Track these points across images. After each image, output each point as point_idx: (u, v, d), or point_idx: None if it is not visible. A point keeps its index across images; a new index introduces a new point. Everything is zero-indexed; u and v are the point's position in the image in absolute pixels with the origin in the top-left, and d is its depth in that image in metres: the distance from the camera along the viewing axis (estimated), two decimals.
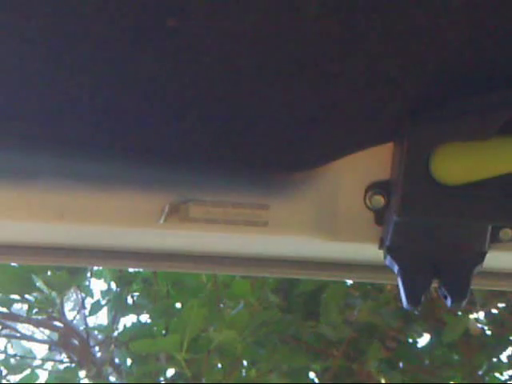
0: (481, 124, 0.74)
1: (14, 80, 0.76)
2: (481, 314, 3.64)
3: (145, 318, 3.71)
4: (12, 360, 3.97)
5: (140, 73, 0.76)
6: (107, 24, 0.74)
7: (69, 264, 1.13)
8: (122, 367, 3.79)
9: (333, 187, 0.82)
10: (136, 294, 3.73)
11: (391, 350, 3.56)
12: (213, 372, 3.40)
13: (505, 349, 3.65)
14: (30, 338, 4.12)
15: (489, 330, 3.69)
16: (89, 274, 3.68)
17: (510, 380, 3.73)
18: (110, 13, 0.74)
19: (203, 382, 3.39)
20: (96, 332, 3.97)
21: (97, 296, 3.75)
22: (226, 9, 0.74)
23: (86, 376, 3.82)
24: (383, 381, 3.59)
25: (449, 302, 0.80)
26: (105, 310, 3.75)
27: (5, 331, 3.93)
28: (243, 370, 3.53)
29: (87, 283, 3.73)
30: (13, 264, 3.14)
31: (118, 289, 3.66)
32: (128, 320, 3.77)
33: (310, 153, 0.79)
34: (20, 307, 3.90)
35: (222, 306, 3.45)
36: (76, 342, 3.84)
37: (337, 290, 3.31)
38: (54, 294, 3.40)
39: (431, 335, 3.67)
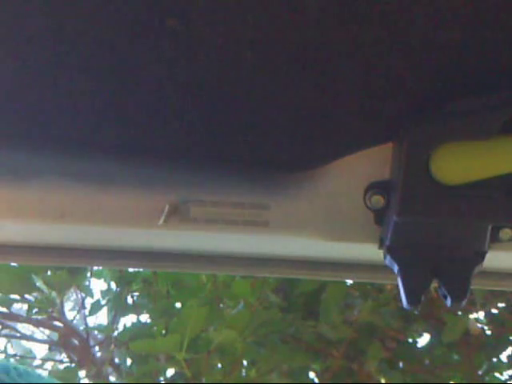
0: (481, 124, 0.74)
1: (14, 80, 0.76)
2: (481, 314, 3.64)
3: (145, 317, 3.71)
4: (12, 360, 3.97)
5: (140, 72, 0.76)
6: (107, 23, 0.74)
7: (69, 264, 1.13)
8: (121, 367, 3.79)
9: (333, 187, 0.82)
10: (136, 293, 3.73)
11: (391, 349, 3.56)
12: (213, 372, 3.40)
13: (505, 349, 3.65)
14: (30, 338, 4.12)
15: (489, 329, 3.68)
16: (89, 274, 3.68)
17: (510, 380, 3.73)
18: (110, 12, 0.74)
19: (203, 381, 3.39)
20: (96, 332, 3.97)
21: (97, 296, 3.75)
22: (226, 9, 0.74)
23: (86, 376, 3.82)
24: (383, 381, 3.59)
25: (449, 301, 0.80)
26: (105, 309, 3.76)
27: (5, 331, 3.93)
28: (243, 370, 3.53)
29: (87, 283, 3.73)
30: (13, 264, 3.13)
31: (118, 289, 3.66)
32: (128, 320, 3.78)
33: (310, 153, 0.79)
34: (20, 307, 3.90)
35: (221, 306, 3.45)
36: (76, 341, 3.84)
37: (337, 290, 3.31)
38: (54, 293, 3.40)
39: (431, 335, 3.67)
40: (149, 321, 3.66)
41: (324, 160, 0.80)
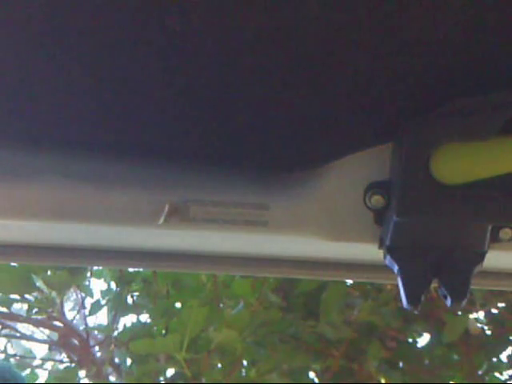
0: (481, 124, 0.74)
1: (14, 80, 0.76)
2: (481, 314, 3.65)
3: (145, 317, 3.71)
4: (12, 360, 3.97)
5: (140, 73, 0.76)
6: (107, 25, 0.74)
7: (69, 264, 1.14)
8: (121, 367, 3.79)
9: (333, 187, 0.82)
10: (136, 293, 3.74)
11: (391, 349, 3.57)
12: (213, 372, 3.40)
13: (505, 348, 3.65)
14: (30, 338, 4.12)
15: (489, 329, 3.69)
16: (89, 274, 3.68)
17: (509, 380, 3.73)
18: (110, 12, 0.74)
19: (203, 381, 3.39)
20: (96, 332, 3.97)
21: (97, 296, 3.76)
22: (226, 8, 0.74)
23: (86, 376, 3.83)
24: (383, 381, 3.59)
25: (449, 301, 0.80)
26: (105, 309, 3.76)
27: (5, 331, 3.93)
28: (243, 370, 3.53)
29: (87, 283, 3.73)
30: (13, 264, 3.14)
31: (118, 289, 3.66)
32: (128, 320, 3.78)
33: (310, 153, 0.79)
34: (20, 307, 3.90)
35: (221, 305, 3.45)
36: (76, 341, 3.85)
37: (337, 290, 3.31)
38: (53, 293, 3.41)
39: (431, 335, 3.67)
40: (149, 321, 3.66)
41: (324, 160, 0.80)
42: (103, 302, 3.74)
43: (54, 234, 0.96)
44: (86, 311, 3.79)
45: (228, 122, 0.77)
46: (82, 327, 3.87)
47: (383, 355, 3.46)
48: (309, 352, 3.46)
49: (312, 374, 3.67)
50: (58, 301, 3.48)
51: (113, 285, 3.70)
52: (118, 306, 3.68)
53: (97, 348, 3.90)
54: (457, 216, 0.78)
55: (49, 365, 4.11)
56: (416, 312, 0.83)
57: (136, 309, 3.70)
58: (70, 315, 3.97)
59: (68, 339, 3.86)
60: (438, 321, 3.48)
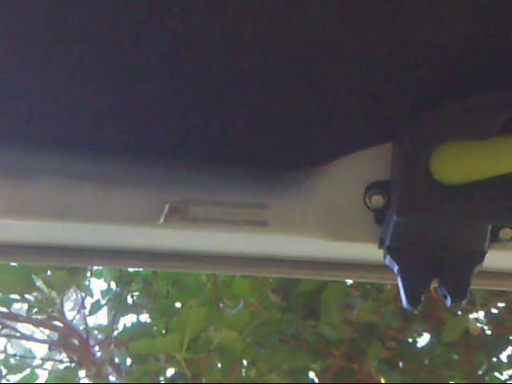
0: (481, 124, 0.74)
1: (14, 80, 0.76)
2: (481, 314, 3.65)
3: (145, 317, 3.71)
4: (12, 360, 3.97)
5: (140, 73, 0.76)
6: (107, 24, 0.74)
7: (69, 264, 1.14)
8: (121, 367, 3.79)
9: (333, 187, 0.82)
10: (136, 293, 3.73)
11: (391, 349, 3.56)
12: (213, 372, 3.40)
13: (505, 348, 3.65)
14: (30, 338, 4.12)
15: (489, 329, 3.69)
16: (89, 274, 3.68)
17: (509, 380, 3.73)
18: (110, 12, 0.74)
19: (203, 381, 3.39)
20: (96, 332, 3.97)
21: (97, 296, 3.76)
22: (226, 8, 0.74)
23: (86, 376, 3.83)
24: (383, 380, 3.59)
25: (448, 301, 0.80)
26: (105, 309, 3.76)
27: (5, 331, 3.93)
28: (243, 370, 3.53)
29: (87, 283, 3.73)
30: (13, 264, 3.14)
31: (118, 288, 3.66)
32: (128, 320, 3.78)
33: (310, 153, 0.79)
34: (20, 307, 3.90)
35: (221, 305, 3.45)
36: (76, 341, 3.84)
37: (337, 290, 3.31)
38: (53, 293, 3.41)
39: (431, 335, 3.67)
40: (149, 321, 3.66)
41: (324, 160, 0.80)
42: (103, 301, 3.74)
43: (54, 234, 0.96)
44: (86, 311, 3.79)
45: (228, 122, 0.77)
46: (81, 327, 3.87)
47: (383, 355, 3.46)
48: (309, 352, 3.46)
49: (312, 374, 3.67)
50: (57, 301, 3.48)
51: (113, 285, 3.70)
52: (118, 306, 3.68)
53: (97, 348, 3.90)
54: (457, 216, 0.78)
55: (49, 365, 4.11)
56: (416, 312, 0.83)
57: (136, 309, 3.70)
58: (70, 315, 3.97)
59: (68, 339, 3.86)
60: (438, 321, 3.48)
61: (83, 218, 0.84)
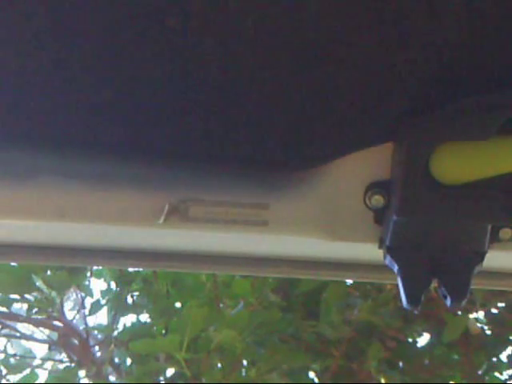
0: (481, 124, 0.74)
1: (14, 80, 0.76)
2: (481, 314, 3.65)
3: (145, 317, 3.71)
4: (12, 359, 3.97)
5: (140, 72, 0.76)
6: (107, 23, 0.74)
7: (69, 264, 1.14)
8: (121, 367, 3.79)
9: (333, 187, 0.82)
10: (136, 293, 3.74)
11: (391, 349, 3.57)
12: (212, 372, 3.40)
13: (504, 348, 3.65)
14: (30, 338, 4.12)
15: (489, 329, 3.69)
16: (89, 274, 3.68)
17: (509, 380, 3.73)
18: (110, 12, 0.74)
19: (203, 381, 3.39)
20: (96, 332, 3.97)
21: (97, 296, 3.76)
22: (226, 8, 0.74)
23: (86, 376, 3.83)
24: (383, 380, 3.59)
25: (448, 301, 0.80)
26: (105, 309, 3.76)
27: (5, 331, 3.94)
28: (243, 370, 3.53)
29: (87, 283, 3.73)
30: (13, 264, 3.14)
31: (118, 288, 3.66)
32: (128, 320, 3.78)
33: (310, 153, 0.79)
34: (20, 307, 3.90)
35: (221, 305, 3.45)
36: (76, 341, 3.85)
37: (337, 290, 3.31)
38: (53, 293, 3.41)
39: (431, 335, 3.68)
40: (149, 320, 3.66)
41: (324, 159, 0.80)
42: (103, 301, 3.74)
43: (54, 234, 0.96)
44: (86, 311, 3.79)
45: (228, 121, 0.77)
46: (81, 327, 3.87)
47: (383, 355, 3.46)
48: (309, 352, 3.46)
49: (312, 374, 3.67)
50: (57, 301, 3.49)
51: (113, 285, 3.70)
52: (118, 306, 3.68)
53: (97, 348, 3.90)
54: (457, 216, 0.78)
55: (49, 365, 4.11)
56: (416, 312, 0.83)
57: (136, 309, 3.70)
58: (69, 315, 3.97)
59: (68, 339, 3.86)
60: (438, 321, 3.48)
61: (83, 218, 0.84)
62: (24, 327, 4.06)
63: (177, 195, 0.82)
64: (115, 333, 3.73)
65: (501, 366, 3.70)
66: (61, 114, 0.77)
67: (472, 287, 0.82)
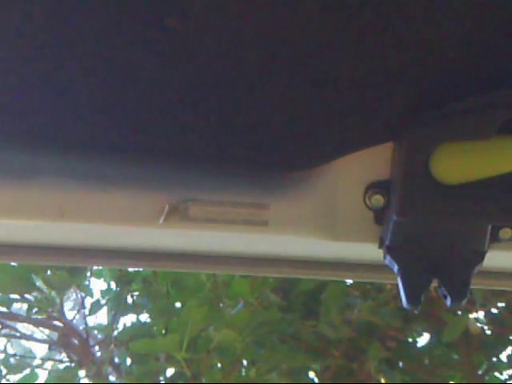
0: (481, 124, 0.74)
1: (14, 80, 0.76)
2: (481, 314, 3.65)
3: (144, 317, 3.71)
4: (12, 359, 3.97)
5: (140, 72, 0.76)
6: (107, 23, 0.74)
7: (69, 264, 1.14)
8: (121, 367, 3.79)
9: (333, 187, 0.82)
10: (136, 293, 3.74)
11: (391, 349, 3.57)
12: (212, 372, 3.40)
13: (504, 348, 3.65)
14: (30, 338, 4.12)
15: (489, 329, 3.69)
16: (88, 274, 3.68)
17: (509, 379, 3.73)
18: (110, 12, 0.74)
19: (203, 381, 3.39)
20: (96, 331, 3.97)
21: (96, 295, 3.76)
22: (226, 8, 0.74)
23: (86, 375, 3.83)
24: (383, 380, 3.59)
25: (448, 301, 0.80)
26: (104, 309, 3.76)
27: (4, 331, 3.93)
28: (243, 370, 3.53)
29: (87, 283, 3.74)
30: (13, 264, 3.14)
31: (118, 288, 3.66)
32: (128, 319, 3.78)
33: (310, 153, 0.79)
34: (20, 307, 3.90)
35: (221, 305, 3.45)
36: (76, 341, 3.85)
37: (337, 290, 3.31)
38: (53, 293, 3.41)
39: (431, 335, 3.68)
40: (149, 320, 3.66)
41: (324, 159, 0.80)
42: (103, 301, 3.74)
43: (54, 234, 0.96)
44: (86, 311, 3.79)
45: (228, 121, 0.77)
46: (81, 327, 3.87)
47: (383, 355, 3.46)
48: (308, 352, 3.46)
49: (312, 374, 3.67)
50: (57, 301, 3.48)
51: (113, 285, 3.70)
52: (118, 306, 3.68)
53: (97, 348, 3.90)
54: (457, 216, 0.78)
55: (49, 364, 4.11)
56: (416, 312, 0.83)
57: (136, 309, 3.70)
58: (69, 315, 3.97)
59: (68, 339, 3.86)
60: (438, 321, 3.48)
61: (83, 218, 0.84)
62: (24, 327, 4.06)
63: (177, 195, 0.82)
64: (115, 333, 3.73)
65: (501, 366, 3.70)
66: (61, 115, 0.77)
67: (472, 287, 0.82)
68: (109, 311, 3.75)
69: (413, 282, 0.81)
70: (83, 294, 3.82)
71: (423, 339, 3.74)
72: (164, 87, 0.76)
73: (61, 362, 4.05)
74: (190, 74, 0.76)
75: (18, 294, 3.49)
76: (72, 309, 4.20)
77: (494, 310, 3.66)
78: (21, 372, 3.85)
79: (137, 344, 3.16)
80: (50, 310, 3.60)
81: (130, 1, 0.74)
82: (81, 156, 0.80)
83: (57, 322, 3.83)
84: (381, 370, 3.51)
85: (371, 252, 0.85)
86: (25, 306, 3.73)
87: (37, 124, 0.77)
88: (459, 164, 0.77)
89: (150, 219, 0.83)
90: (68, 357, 3.92)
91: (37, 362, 4.07)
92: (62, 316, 3.75)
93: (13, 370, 3.87)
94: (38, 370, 3.93)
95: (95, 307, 3.74)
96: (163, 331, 3.44)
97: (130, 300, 3.73)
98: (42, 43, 0.74)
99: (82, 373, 3.83)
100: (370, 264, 0.99)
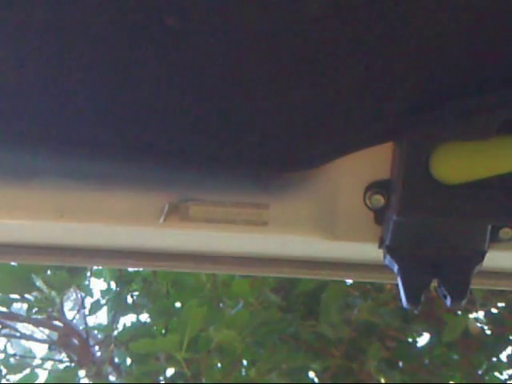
0: (481, 124, 0.74)
1: (14, 80, 0.76)
2: (480, 314, 3.65)
3: (144, 317, 3.71)
4: (12, 359, 3.97)
5: (140, 72, 0.76)
6: (107, 23, 0.74)
7: (69, 264, 1.14)
8: (121, 367, 3.79)
9: (333, 187, 0.82)
10: (136, 293, 3.73)
11: (391, 349, 3.56)
12: (212, 371, 3.40)
13: (504, 348, 3.65)
14: (30, 338, 4.12)
15: (488, 329, 3.69)
16: (88, 274, 3.68)
17: (509, 379, 3.73)
18: (110, 12, 0.74)
19: (203, 381, 3.39)
20: (96, 331, 3.97)
21: (96, 295, 3.76)
22: (226, 8, 0.74)
23: (86, 375, 3.83)
24: (383, 380, 3.59)
25: (448, 301, 0.80)
26: (104, 309, 3.76)
27: (4, 331, 3.94)
28: (243, 370, 3.53)
29: (87, 283, 3.73)
30: (13, 264, 3.14)
31: (118, 288, 3.66)
32: (128, 319, 3.78)
33: (310, 153, 0.79)
34: (20, 307, 3.90)
35: (221, 305, 3.45)
36: (76, 341, 3.85)
37: (337, 290, 3.31)
38: (53, 293, 3.40)
39: (431, 335, 3.67)
40: (148, 320, 3.66)
41: (324, 159, 0.80)
42: (103, 301, 3.74)
43: (54, 234, 0.96)
44: (86, 311, 3.79)
45: (228, 121, 0.77)
46: (81, 327, 3.87)
47: (383, 355, 3.46)
48: (308, 352, 3.46)
49: (312, 374, 3.67)
50: (57, 300, 3.48)
51: (113, 284, 3.70)
52: (118, 306, 3.68)
53: (97, 348, 3.90)
54: (457, 216, 0.78)
55: (49, 364, 4.11)
56: (416, 312, 0.83)
57: (136, 308, 3.70)
58: (69, 315, 3.97)
59: (68, 339, 3.86)
60: (438, 321, 3.48)
61: (83, 218, 0.84)
62: (24, 327, 4.06)
63: (177, 195, 0.82)
64: (115, 333, 3.73)
65: (501, 366, 3.70)
66: (61, 114, 0.77)
67: (472, 287, 0.82)
68: (109, 311, 3.75)
69: (413, 282, 0.81)
70: (83, 294, 3.82)
71: (423, 339, 3.74)
72: (164, 87, 0.76)
73: (61, 361, 4.05)
74: (190, 74, 0.76)
75: (18, 294, 3.49)
76: (72, 309, 4.20)
77: (494, 310, 3.66)
78: (21, 372, 3.85)
79: (137, 344, 3.16)
80: (49, 309, 3.60)
81: (130, 1, 0.74)
82: (81, 156, 0.80)
83: (57, 322, 3.83)
84: (381, 370, 3.51)
85: (371, 252, 0.85)
86: (25, 305, 3.73)
87: (37, 124, 0.77)
88: (459, 164, 0.77)
89: (150, 219, 0.83)
90: (68, 357, 3.92)
91: (37, 361, 4.07)
92: (61, 316, 3.75)
93: (13, 370, 3.87)
94: (37, 370, 3.93)
95: (95, 307, 3.74)
96: (163, 331, 3.44)
97: (130, 300, 3.73)
98: (42, 43, 0.74)
99: (81, 373, 3.83)
100: (370, 264, 0.99)
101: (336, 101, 0.77)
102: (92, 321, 4.03)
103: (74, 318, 3.98)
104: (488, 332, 3.68)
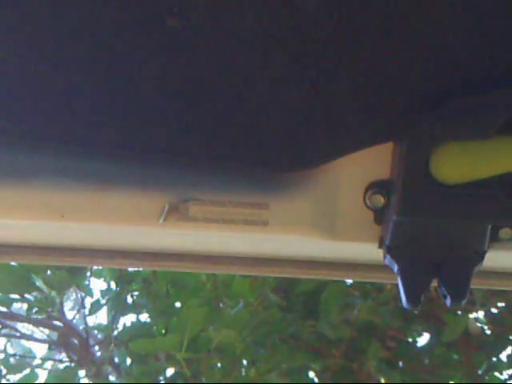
0: (481, 124, 0.74)
1: (14, 80, 0.76)
2: (480, 314, 3.65)
3: (144, 317, 3.71)
4: (11, 359, 3.97)
5: (140, 72, 0.76)
6: (107, 23, 0.74)
7: (69, 264, 1.13)
8: (121, 367, 3.79)
9: (333, 187, 0.82)
10: (136, 293, 3.74)
11: (391, 349, 3.57)
12: (212, 371, 3.40)
13: (504, 348, 3.65)
14: (30, 338, 4.12)
15: (488, 329, 3.69)
16: (88, 274, 3.68)
17: (509, 379, 3.73)
18: (111, 12, 0.74)
19: (203, 381, 3.39)
20: (96, 331, 3.97)
21: (96, 295, 3.76)
22: (226, 8, 0.74)
23: (86, 375, 3.83)
24: (383, 380, 3.59)
25: (448, 301, 0.80)
26: (104, 309, 3.76)
27: (4, 331, 3.94)
28: (243, 370, 3.53)
29: (87, 282, 3.74)
30: (13, 263, 3.14)
31: (118, 288, 3.66)
32: (128, 319, 3.78)
33: (310, 153, 0.79)
34: (20, 307, 3.91)
35: (221, 305, 3.45)
36: (76, 341, 3.85)
37: (337, 290, 3.31)
38: (53, 293, 3.41)
39: (431, 335, 3.68)
40: (148, 320, 3.66)
41: (324, 159, 0.80)
42: (103, 301, 3.74)
43: (54, 234, 0.96)
44: (86, 311, 3.79)
45: (228, 122, 0.77)
46: (81, 327, 3.87)
47: (383, 355, 3.46)
48: (308, 352, 3.46)
49: (312, 374, 3.67)
50: (57, 300, 3.48)
51: (113, 284, 3.70)
52: (118, 306, 3.68)
53: (96, 348, 3.90)
54: (457, 216, 0.78)
55: (49, 364, 4.11)
56: (416, 312, 0.83)
57: (136, 308, 3.70)
58: (69, 315, 3.97)
59: (68, 339, 3.86)
60: (438, 321, 3.48)
61: (83, 219, 0.84)
62: (24, 327, 4.06)
63: (177, 195, 0.82)
64: (115, 333, 3.73)
65: (501, 366, 3.70)
66: (60, 114, 0.77)
67: (472, 287, 0.82)
68: (109, 311, 3.75)
69: (413, 282, 0.81)
70: (83, 294, 3.82)
71: (423, 339, 3.74)
72: (164, 87, 0.76)
73: (61, 361, 4.05)
74: (190, 73, 0.76)
75: (18, 294, 3.49)
76: (72, 309, 4.21)
77: (494, 310, 3.66)
78: (21, 372, 3.85)
79: (137, 344, 3.16)
80: (49, 309, 3.60)
81: (130, 1, 0.74)
82: (81, 156, 0.80)
83: (57, 322, 3.83)
84: (381, 370, 3.51)
85: (371, 252, 0.85)
86: (25, 305, 3.73)
87: (37, 124, 0.77)
88: (459, 164, 0.77)
89: (150, 219, 0.83)
90: (68, 357, 3.92)
91: (37, 361, 4.07)
92: (61, 316, 3.75)
93: (13, 369, 3.87)
94: (37, 370, 3.93)
95: (95, 307, 3.74)
96: (163, 331, 3.44)
97: (130, 300, 3.73)
98: (42, 43, 0.74)
99: (81, 373, 3.83)
100: (370, 264, 0.99)
101: (336, 101, 0.77)
102: (92, 321, 4.04)
103: (73, 317, 3.98)
104: (488, 332, 3.69)
